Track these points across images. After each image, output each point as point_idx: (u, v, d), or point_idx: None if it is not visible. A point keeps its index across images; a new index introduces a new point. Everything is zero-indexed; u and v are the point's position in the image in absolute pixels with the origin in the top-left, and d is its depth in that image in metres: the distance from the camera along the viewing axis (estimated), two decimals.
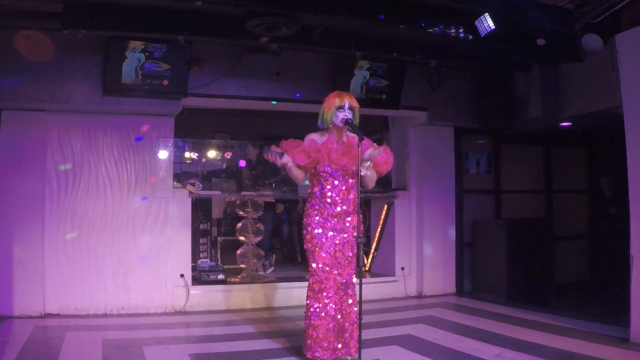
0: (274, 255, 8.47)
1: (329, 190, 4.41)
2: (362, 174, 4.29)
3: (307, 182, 4.68)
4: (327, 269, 4.40)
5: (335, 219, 4.44)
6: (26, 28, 5.96)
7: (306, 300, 4.51)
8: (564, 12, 6.25)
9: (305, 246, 4.55)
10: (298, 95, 7.27)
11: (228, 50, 6.90)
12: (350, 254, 4.50)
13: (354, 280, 4.55)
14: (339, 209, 4.43)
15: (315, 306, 4.38)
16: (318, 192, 4.44)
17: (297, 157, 4.34)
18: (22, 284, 6.21)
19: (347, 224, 4.50)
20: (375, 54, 7.17)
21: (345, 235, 4.48)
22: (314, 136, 4.46)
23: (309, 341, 4.39)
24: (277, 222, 9.28)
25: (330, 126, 4.44)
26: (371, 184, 4.55)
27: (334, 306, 4.39)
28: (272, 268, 8.01)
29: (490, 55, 7.27)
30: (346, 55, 7.08)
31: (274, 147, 4.38)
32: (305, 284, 4.57)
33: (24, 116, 6.36)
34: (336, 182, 4.41)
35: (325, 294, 4.38)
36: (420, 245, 8.08)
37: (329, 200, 4.41)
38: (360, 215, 4.55)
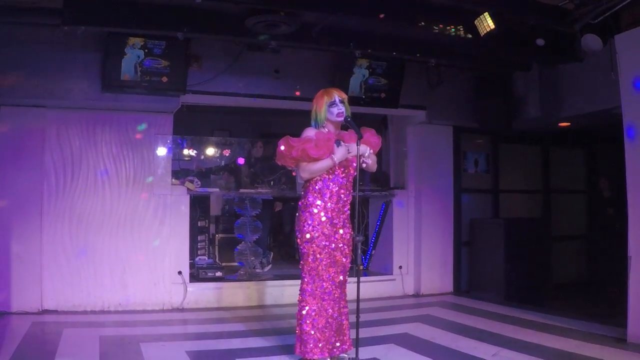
0: (272, 253, 8.47)
1: (332, 185, 4.38)
2: (369, 162, 4.41)
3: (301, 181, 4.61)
4: (324, 268, 4.35)
5: (336, 213, 4.42)
6: (26, 24, 5.96)
7: (301, 299, 4.42)
8: (563, 12, 6.25)
9: (301, 246, 4.41)
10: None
11: (227, 47, 6.91)
12: (347, 250, 4.49)
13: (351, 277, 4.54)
14: (340, 204, 4.42)
15: (312, 306, 4.33)
16: (322, 187, 4.38)
17: (312, 151, 4.30)
18: (19, 280, 6.20)
19: (346, 218, 4.49)
20: (375, 52, 7.16)
21: (342, 231, 4.45)
22: (313, 131, 4.43)
23: (307, 342, 4.31)
24: (275, 219, 9.27)
25: (325, 123, 4.44)
26: (374, 166, 4.60)
27: (332, 305, 4.37)
28: (269, 266, 8.01)
29: (490, 55, 7.27)
30: (345, 53, 7.07)
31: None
32: None
33: (23, 112, 6.35)
34: (338, 177, 4.40)
35: (322, 293, 4.34)
36: (418, 244, 8.09)
37: (335, 194, 4.38)
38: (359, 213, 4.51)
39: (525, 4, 6.16)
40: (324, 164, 4.31)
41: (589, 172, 10.11)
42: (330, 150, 4.30)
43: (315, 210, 4.37)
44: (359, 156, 4.29)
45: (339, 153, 4.32)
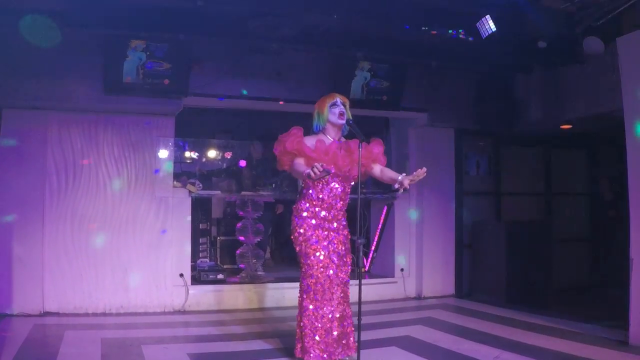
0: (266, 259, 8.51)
1: (327, 193, 4.40)
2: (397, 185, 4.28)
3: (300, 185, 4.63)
4: (322, 270, 4.36)
5: (329, 221, 4.43)
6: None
7: (300, 302, 4.46)
8: (565, 15, 6.25)
9: (297, 248, 4.47)
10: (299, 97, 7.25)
11: (229, 49, 6.91)
12: (345, 253, 4.51)
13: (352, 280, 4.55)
14: (334, 211, 4.44)
15: (312, 308, 4.35)
16: (314, 194, 4.41)
17: (307, 149, 4.32)
18: (21, 282, 6.20)
19: (341, 224, 4.50)
20: (377, 55, 7.17)
21: (339, 234, 4.47)
22: (314, 139, 4.44)
23: (307, 345, 4.32)
24: (277, 222, 9.27)
25: (326, 126, 4.45)
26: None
27: (332, 308, 4.38)
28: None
29: (491, 57, 7.26)
30: (347, 56, 7.08)
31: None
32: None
33: (25, 114, 6.36)
34: (336, 185, 4.41)
35: (322, 295, 4.35)
36: (420, 246, 8.08)
37: (325, 202, 4.40)
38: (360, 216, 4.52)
39: (527, 6, 6.16)
40: (300, 168, 4.29)
41: (590, 174, 10.09)
42: (327, 159, 4.28)
43: (306, 214, 4.43)
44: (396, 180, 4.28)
45: (312, 170, 4.00)
